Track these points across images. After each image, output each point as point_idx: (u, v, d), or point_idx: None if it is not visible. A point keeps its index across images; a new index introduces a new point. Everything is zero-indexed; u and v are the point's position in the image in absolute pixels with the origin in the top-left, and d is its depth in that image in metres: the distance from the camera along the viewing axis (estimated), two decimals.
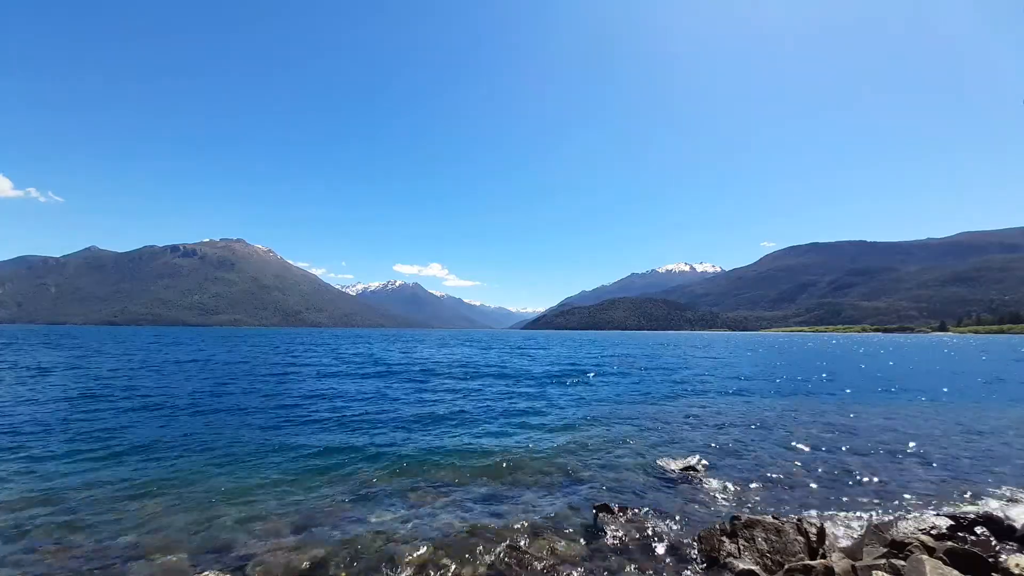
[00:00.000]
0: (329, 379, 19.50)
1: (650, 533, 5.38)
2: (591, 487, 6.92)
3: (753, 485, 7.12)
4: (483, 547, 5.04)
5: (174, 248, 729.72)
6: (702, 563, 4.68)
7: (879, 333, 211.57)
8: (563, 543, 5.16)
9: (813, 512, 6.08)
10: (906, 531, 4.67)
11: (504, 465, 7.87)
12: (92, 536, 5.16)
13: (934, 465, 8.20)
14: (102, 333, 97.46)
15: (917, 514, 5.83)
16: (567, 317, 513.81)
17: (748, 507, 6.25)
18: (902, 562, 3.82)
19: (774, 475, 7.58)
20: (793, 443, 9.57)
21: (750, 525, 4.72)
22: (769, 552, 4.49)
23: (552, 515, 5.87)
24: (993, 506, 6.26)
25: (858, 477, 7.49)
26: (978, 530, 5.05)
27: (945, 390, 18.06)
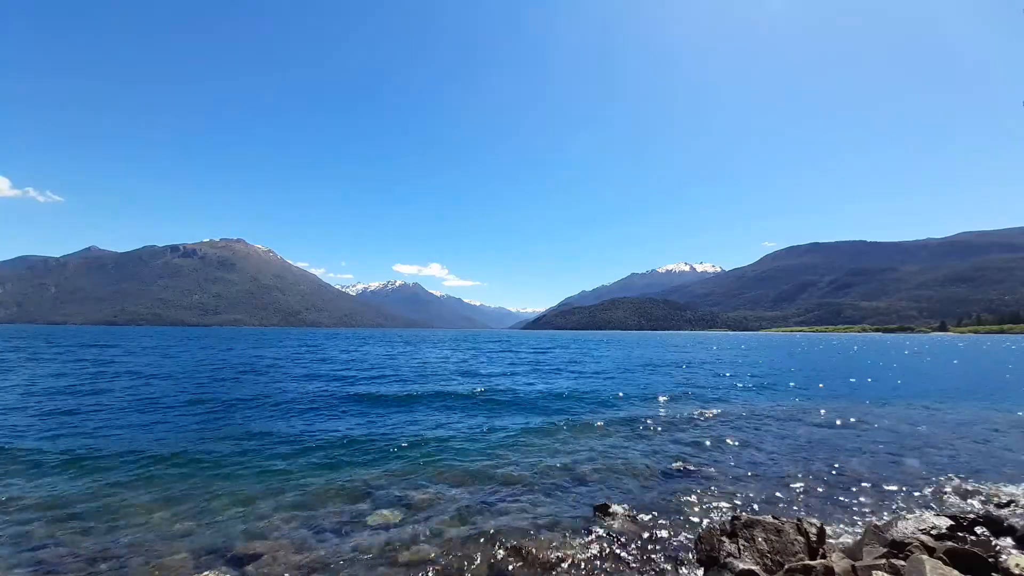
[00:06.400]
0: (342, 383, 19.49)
1: (649, 533, 5.38)
2: (591, 487, 6.92)
3: (753, 485, 7.12)
4: (483, 547, 5.04)
5: (174, 248, 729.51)
6: (702, 563, 4.68)
7: (879, 333, 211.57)
8: (562, 543, 5.15)
9: (813, 512, 6.09)
10: (906, 531, 4.67)
11: (503, 464, 7.87)
12: (92, 536, 5.16)
13: (935, 465, 8.20)
14: (105, 333, 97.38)
15: (917, 514, 5.82)
16: (567, 317, 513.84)
17: (748, 507, 6.25)
18: (902, 562, 3.82)
19: (775, 475, 7.59)
20: (794, 443, 9.57)
21: (750, 525, 4.72)
22: (769, 552, 4.49)
23: (551, 515, 5.87)
24: (993, 506, 6.27)
25: (858, 477, 7.49)
26: (978, 530, 5.05)
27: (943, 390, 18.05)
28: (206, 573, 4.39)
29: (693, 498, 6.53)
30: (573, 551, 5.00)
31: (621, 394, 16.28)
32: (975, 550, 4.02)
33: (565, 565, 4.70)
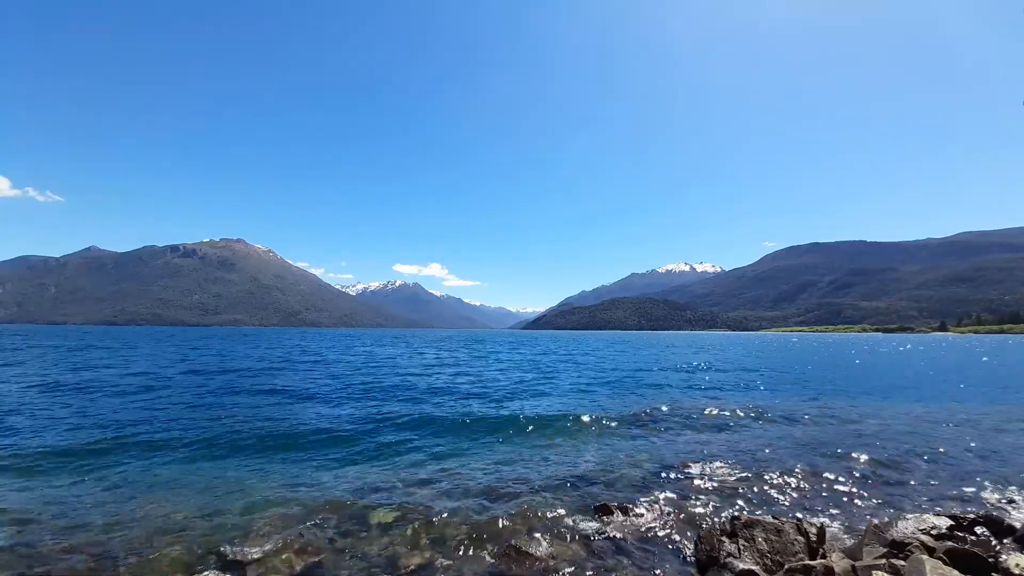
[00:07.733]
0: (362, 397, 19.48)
1: (650, 533, 5.38)
2: (592, 488, 6.91)
3: (754, 485, 7.11)
4: (483, 547, 5.04)
5: (174, 248, 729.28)
6: (702, 563, 4.68)
7: (879, 333, 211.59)
8: (563, 543, 5.15)
9: (813, 512, 6.09)
10: (906, 531, 4.67)
11: (503, 464, 7.87)
12: (91, 535, 5.15)
13: (935, 465, 8.20)
14: (104, 334, 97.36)
15: (917, 514, 5.82)
16: (567, 317, 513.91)
17: (748, 507, 6.25)
18: (902, 562, 3.82)
19: (775, 475, 7.58)
20: (796, 443, 9.56)
21: (750, 525, 4.72)
22: (769, 552, 4.49)
23: (552, 515, 5.86)
24: (993, 506, 6.27)
25: (859, 477, 7.49)
26: (978, 530, 5.04)
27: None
28: (206, 574, 4.39)
29: (693, 498, 6.53)
30: (574, 552, 5.00)
31: (624, 396, 16.29)
32: (975, 550, 4.03)
33: (566, 566, 4.70)
